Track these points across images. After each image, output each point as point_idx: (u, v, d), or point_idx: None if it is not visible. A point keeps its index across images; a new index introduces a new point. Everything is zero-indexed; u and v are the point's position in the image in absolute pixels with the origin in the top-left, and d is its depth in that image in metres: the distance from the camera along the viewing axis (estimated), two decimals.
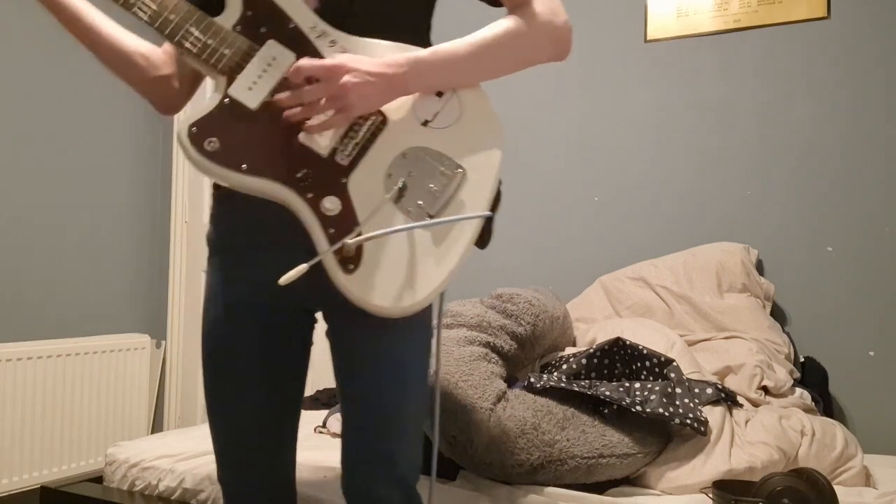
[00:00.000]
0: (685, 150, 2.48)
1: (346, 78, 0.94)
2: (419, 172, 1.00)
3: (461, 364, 1.64)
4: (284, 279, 0.90)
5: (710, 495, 1.48)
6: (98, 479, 1.84)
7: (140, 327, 3.22)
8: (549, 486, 1.53)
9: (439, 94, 1.03)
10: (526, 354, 1.88)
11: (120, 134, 3.13)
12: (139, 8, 0.97)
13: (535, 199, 2.68)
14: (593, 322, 2.23)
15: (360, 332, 1.05)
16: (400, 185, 0.99)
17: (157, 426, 3.24)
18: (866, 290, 2.18)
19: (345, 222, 0.96)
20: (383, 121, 1.01)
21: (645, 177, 2.52)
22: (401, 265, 0.97)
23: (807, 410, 1.85)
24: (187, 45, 0.97)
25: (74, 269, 2.92)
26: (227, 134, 0.96)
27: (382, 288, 0.95)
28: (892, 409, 2.11)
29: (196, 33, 0.97)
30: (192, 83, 1.18)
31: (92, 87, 2.99)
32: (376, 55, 1.00)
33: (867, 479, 1.66)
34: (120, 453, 1.81)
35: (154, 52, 1.14)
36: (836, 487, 1.42)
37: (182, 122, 0.96)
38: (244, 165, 0.95)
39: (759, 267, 2.31)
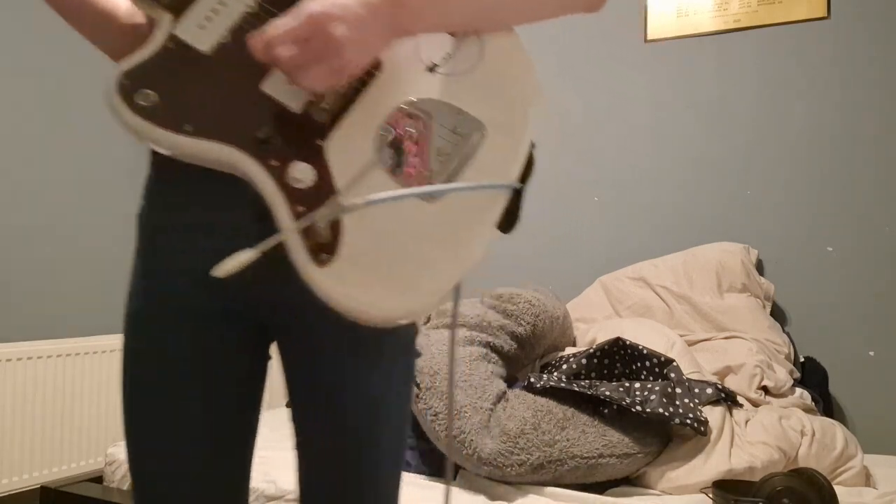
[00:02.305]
0: (685, 149, 2.48)
1: (337, 30, 0.69)
2: (424, 132, 0.77)
3: (461, 364, 1.65)
4: (222, 269, 0.69)
5: (710, 495, 1.48)
6: (98, 479, 1.84)
7: None
8: (549, 486, 1.53)
9: None
10: (526, 354, 1.88)
11: (120, 133, 3.13)
12: None
13: (535, 199, 2.67)
14: (593, 322, 2.23)
15: (321, 354, 0.81)
16: (389, 141, 0.75)
17: None
18: (866, 290, 2.18)
19: (320, 197, 0.72)
20: (376, 65, 0.77)
21: (645, 177, 2.52)
22: (394, 255, 0.73)
23: (807, 410, 1.85)
24: None
25: (75, 269, 2.92)
26: (168, 86, 0.74)
27: (367, 285, 0.71)
28: (892, 409, 2.11)
29: None
30: None
31: (91, 86, 2.99)
32: None
33: (867, 479, 1.66)
34: (120, 453, 1.81)
35: None
36: (836, 487, 1.42)
37: (112, 72, 0.74)
38: (188, 126, 0.73)
39: (759, 267, 2.31)
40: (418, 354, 0.88)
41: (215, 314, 0.82)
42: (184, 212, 0.82)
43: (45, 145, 2.83)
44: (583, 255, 2.58)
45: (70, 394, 2.78)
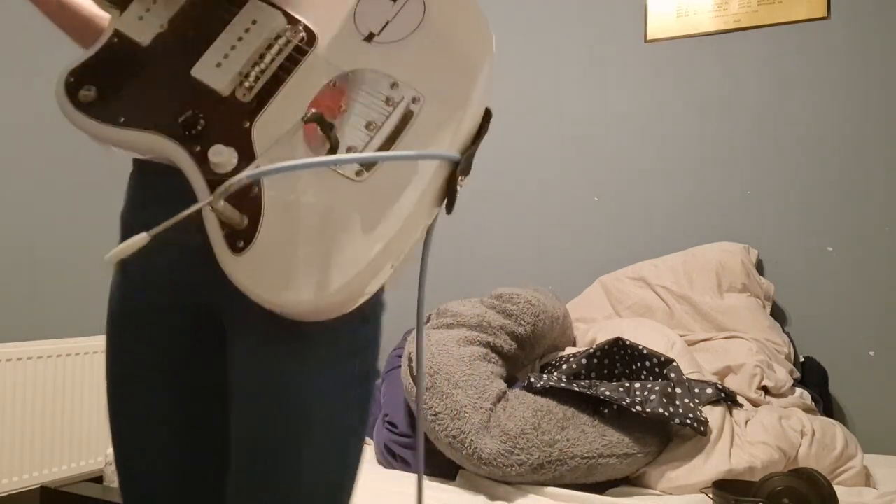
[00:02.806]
0: (685, 150, 2.47)
1: None
2: (356, 106, 0.70)
3: (461, 364, 1.65)
4: (112, 254, 0.65)
5: (710, 495, 1.48)
6: (98, 479, 1.84)
7: None
8: (549, 486, 1.53)
9: None
10: (526, 354, 1.88)
11: None
12: None
13: (535, 199, 2.67)
14: (593, 322, 2.23)
15: (247, 348, 0.75)
16: (307, 115, 0.69)
17: None
18: (866, 290, 2.18)
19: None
20: (307, 39, 0.74)
21: (645, 177, 2.52)
22: (316, 244, 0.66)
23: (807, 410, 1.85)
24: None
25: (74, 269, 2.92)
26: (108, 80, 0.75)
27: (285, 276, 0.65)
28: (892, 409, 2.11)
29: None
30: None
31: None
32: None
33: (867, 479, 1.66)
34: None
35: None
36: (836, 487, 1.42)
37: (61, 70, 0.77)
38: (121, 118, 0.73)
39: (759, 267, 2.31)
40: (377, 376, 0.80)
41: (182, 311, 0.81)
42: (154, 209, 0.79)
43: (45, 144, 2.83)
44: (583, 255, 2.58)
45: (70, 394, 2.78)
